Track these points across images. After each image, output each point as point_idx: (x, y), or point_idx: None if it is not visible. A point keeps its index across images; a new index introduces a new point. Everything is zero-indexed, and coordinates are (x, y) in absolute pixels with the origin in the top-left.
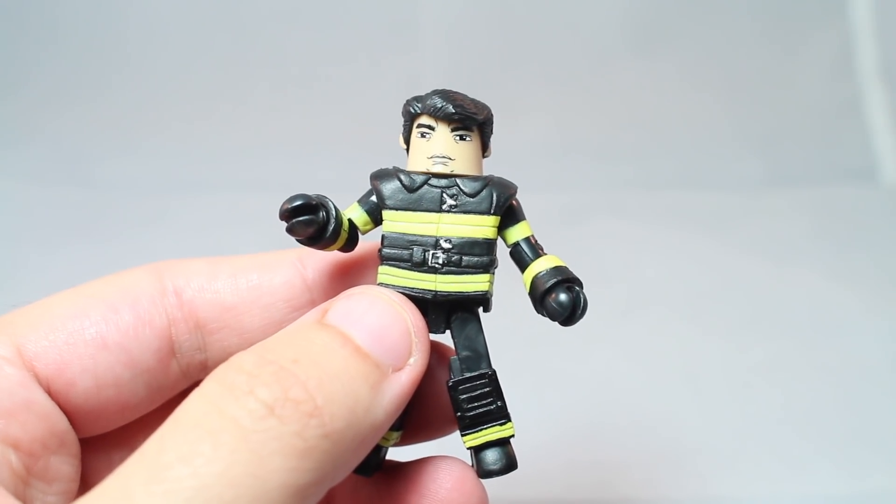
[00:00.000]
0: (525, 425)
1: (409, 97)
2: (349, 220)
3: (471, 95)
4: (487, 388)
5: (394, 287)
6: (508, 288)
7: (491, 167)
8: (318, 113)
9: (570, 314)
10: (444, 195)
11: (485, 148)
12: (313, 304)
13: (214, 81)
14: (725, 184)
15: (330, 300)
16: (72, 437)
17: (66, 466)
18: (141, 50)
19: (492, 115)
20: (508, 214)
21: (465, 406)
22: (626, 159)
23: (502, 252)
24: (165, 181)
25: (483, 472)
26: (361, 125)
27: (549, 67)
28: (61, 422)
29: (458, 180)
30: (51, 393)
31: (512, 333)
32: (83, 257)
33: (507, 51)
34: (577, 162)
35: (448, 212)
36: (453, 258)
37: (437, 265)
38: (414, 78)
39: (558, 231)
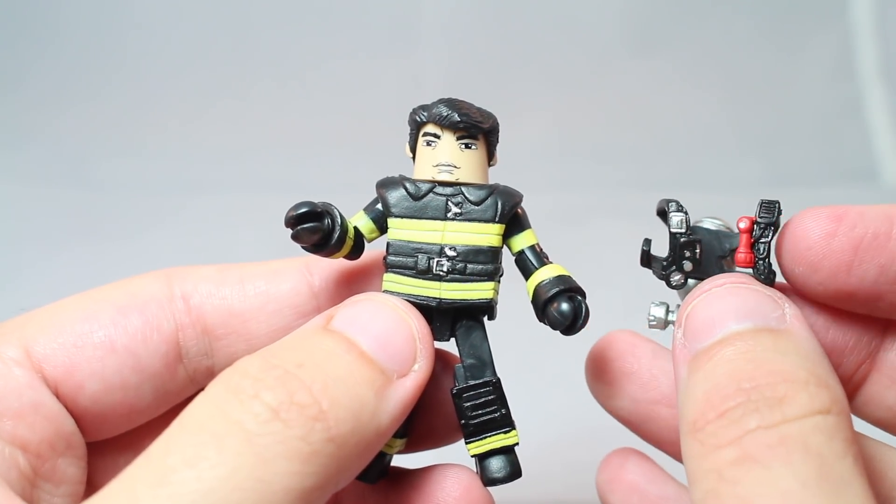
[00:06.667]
0: (525, 426)
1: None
2: (355, 228)
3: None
4: (492, 396)
5: (399, 294)
6: (507, 290)
7: (491, 168)
8: (319, 113)
9: (570, 323)
10: (450, 203)
11: (490, 156)
12: (319, 310)
13: (215, 81)
14: (725, 184)
15: (335, 306)
16: (78, 440)
17: (72, 469)
18: (141, 50)
19: (497, 123)
20: (514, 222)
21: (470, 414)
22: (626, 160)
23: (506, 259)
24: (166, 181)
25: (487, 480)
26: (363, 125)
27: (548, 68)
28: (68, 424)
29: (463, 188)
30: (59, 395)
31: (511, 335)
32: (84, 257)
33: (507, 51)
34: (577, 162)
35: (453, 220)
36: (458, 266)
37: (441, 273)
38: (415, 78)
39: (558, 232)
